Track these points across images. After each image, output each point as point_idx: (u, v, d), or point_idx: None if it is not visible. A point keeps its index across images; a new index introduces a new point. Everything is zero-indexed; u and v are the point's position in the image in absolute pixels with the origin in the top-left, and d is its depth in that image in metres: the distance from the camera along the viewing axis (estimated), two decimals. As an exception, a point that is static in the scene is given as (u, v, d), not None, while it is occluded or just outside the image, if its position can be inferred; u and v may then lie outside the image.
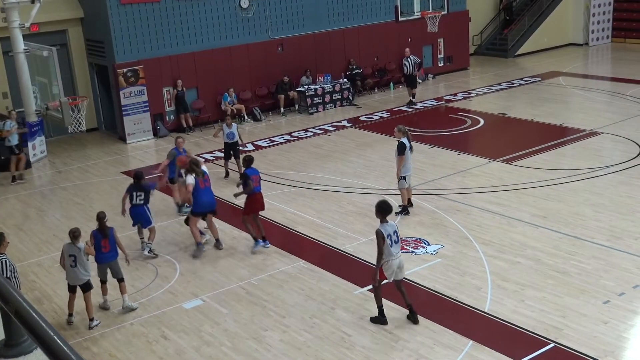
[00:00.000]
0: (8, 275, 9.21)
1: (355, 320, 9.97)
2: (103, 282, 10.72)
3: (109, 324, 10.37)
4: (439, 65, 27.20)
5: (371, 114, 21.90)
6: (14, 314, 3.19)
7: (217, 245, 12.76)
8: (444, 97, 23.69)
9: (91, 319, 10.27)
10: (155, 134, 20.80)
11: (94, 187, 16.91)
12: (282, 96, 22.45)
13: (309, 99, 22.51)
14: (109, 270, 10.65)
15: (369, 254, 11.99)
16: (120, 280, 10.67)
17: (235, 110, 21.70)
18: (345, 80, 23.53)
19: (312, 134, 20.21)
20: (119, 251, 10.71)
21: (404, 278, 10.01)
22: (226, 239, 13.14)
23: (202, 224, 12.96)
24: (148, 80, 20.49)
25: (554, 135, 18.55)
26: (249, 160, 12.58)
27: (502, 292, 10.46)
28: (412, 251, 12.06)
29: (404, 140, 13.30)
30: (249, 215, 12.55)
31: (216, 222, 13.47)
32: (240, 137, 16.38)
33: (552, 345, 9.06)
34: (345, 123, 21.12)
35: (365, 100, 23.83)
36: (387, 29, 24.90)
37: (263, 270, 11.77)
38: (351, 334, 9.61)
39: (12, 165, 17.42)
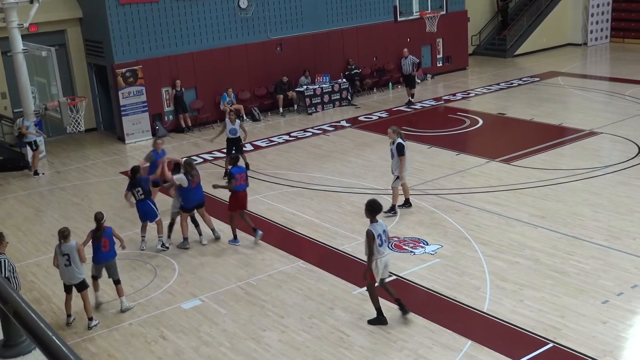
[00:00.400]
0: (7, 275, 9.21)
1: (354, 320, 9.97)
2: (95, 278, 10.65)
3: (107, 324, 10.36)
4: (438, 65, 27.21)
5: (370, 114, 21.90)
6: (12, 314, 3.19)
7: (214, 234, 13.10)
8: (443, 97, 23.70)
9: (90, 319, 10.26)
10: (154, 134, 20.78)
11: (93, 187, 16.91)
12: (281, 96, 22.45)
13: (307, 99, 22.51)
14: (104, 271, 10.62)
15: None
16: (117, 282, 10.67)
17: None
18: (344, 80, 23.53)
19: (310, 134, 20.21)
20: (116, 245, 10.72)
21: (390, 272, 10.01)
22: (225, 239, 13.14)
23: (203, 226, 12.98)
24: (147, 81, 20.49)
25: (553, 135, 18.56)
26: (234, 159, 13.02)
27: (500, 292, 10.47)
28: (411, 251, 12.07)
29: (400, 140, 13.29)
30: (234, 212, 12.84)
31: (215, 222, 13.48)
32: (244, 132, 16.66)
33: (550, 345, 9.07)
34: (344, 123, 21.13)
35: (364, 100, 23.83)
36: (386, 29, 24.90)
37: (262, 271, 11.77)
38: (350, 334, 9.61)
39: (35, 160, 17.94)
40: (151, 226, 12.99)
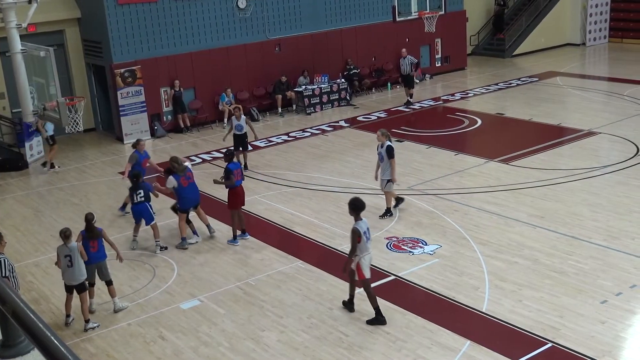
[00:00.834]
0: (6, 275, 9.21)
1: (353, 320, 9.96)
2: (91, 284, 10.61)
3: (106, 324, 10.36)
4: (437, 65, 27.22)
5: (369, 114, 21.90)
6: (11, 314, 3.19)
7: (209, 230, 13.21)
8: (442, 97, 23.70)
9: (87, 321, 10.24)
10: (153, 134, 20.79)
11: (92, 187, 16.90)
12: (280, 96, 22.44)
13: (306, 99, 22.51)
14: (97, 273, 10.59)
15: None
16: (109, 283, 10.64)
17: (232, 111, 21.67)
18: (343, 80, 23.53)
19: (309, 134, 20.21)
20: (111, 251, 10.69)
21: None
22: (224, 239, 13.14)
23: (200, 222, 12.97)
24: (145, 81, 20.48)
25: (552, 135, 18.57)
26: (229, 155, 12.99)
27: (499, 292, 10.47)
28: (410, 251, 12.07)
29: (390, 143, 13.29)
30: (236, 209, 12.84)
31: (216, 222, 13.49)
32: (253, 130, 16.82)
33: (549, 345, 9.07)
34: (342, 123, 21.12)
35: (363, 100, 23.83)
36: (385, 29, 24.90)
37: (260, 271, 11.76)
38: (349, 334, 9.61)
39: (52, 153, 18.26)
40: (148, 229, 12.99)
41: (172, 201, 13.49)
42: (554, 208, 13.56)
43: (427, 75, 26.61)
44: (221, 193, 15.52)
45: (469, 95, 23.86)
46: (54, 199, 16.33)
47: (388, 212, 13.53)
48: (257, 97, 22.73)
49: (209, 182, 16.33)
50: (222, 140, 17.97)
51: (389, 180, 13.35)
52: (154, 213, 12.91)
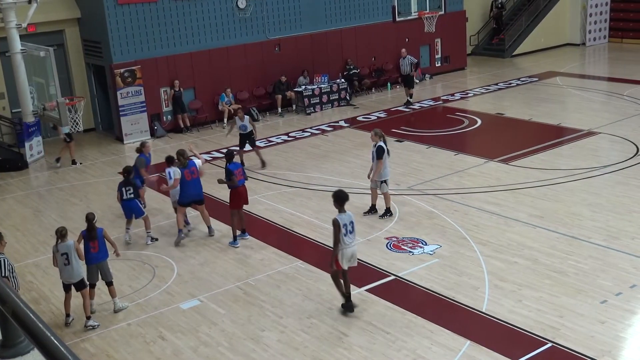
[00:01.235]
0: (6, 275, 9.21)
1: (352, 320, 9.97)
2: (92, 285, 10.61)
3: (106, 324, 10.35)
4: (436, 65, 27.23)
5: (368, 114, 21.91)
6: (11, 314, 3.19)
7: (209, 232, 13.25)
8: (442, 97, 23.71)
9: (87, 318, 10.24)
10: (153, 134, 20.79)
11: (91, 187, 16.89)
12: (280, 96, 22.45)
13: (306, 99, 22.51)
14: (99, 273, 10.60)
15: (367, 254, 12.01)
16: (109, 283, 10.63)
17: (232, 111, 21.70)
18: (343, 80, 23.53)
19: (309, 134, 20.21)
20: (109, 248, 10.69)
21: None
22: (224, 239, 13.14)
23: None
24: (145, 81, 20.48)
25: (551, 135, 18.57)
26: (229, 155, 12.99)
27: (499, 292, 10.47)
28: (410, 251, 12.07)
29: (382, 144, 13.22)
30: (236, 209, 12.84)
31: (216, 223, 13.49)
32: (254, 130, 16.90)
33: (549, 345, 9.07)
34: (342, 123, 21.13)
35: (363, 100, 23.84)
36: (385, 29, 24.91)
37: (260, 271, 11.76)
38: (349, 334, 9.61)
39: (63, 151, 18.52)
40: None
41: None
42: (554, 208, 13.56)
43: (426, 75, 26.61)
44: (221, 193, 15.52)
45: (469, 95, 23.86)
46: (53, 199, 16.33)
47: (387, 212, 13.52)
48: (257, 97, 22.73)
49: (208, 182, 16.35)
50: (225, 136, 18.26)
51: (382, 182, 13.31)
52: (144, 208, 13.14)
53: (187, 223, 13.52)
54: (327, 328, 9.81)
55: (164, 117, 21.24)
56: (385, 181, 13.33)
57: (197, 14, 21.30)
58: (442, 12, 24.16)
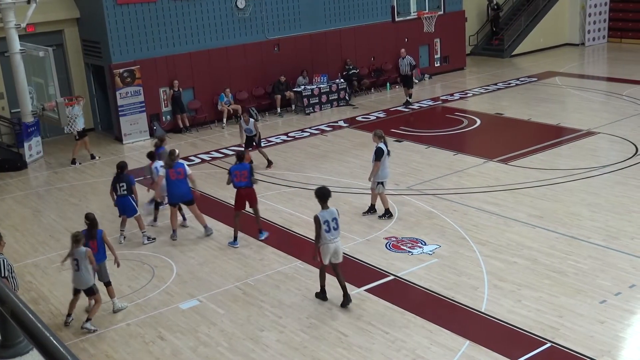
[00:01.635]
0: (5, 275, 9.20)
1: (352, 320, 9.97)
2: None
3: (105, 324, 10.35)
4: (436, 65, 27.23)
5: (368, 114, 21.91)
6: (10, 314, 3.19)
7: (205, 231, 13.24)
8: (441, 97, 23.71)
9: (87, 319, 10.20)
10: (152, 134, 20.78)
11: (91, 187, 16.89)
12: (279, 96, 22.45)
13: (305, 99, 22.51)
14: (96, 274, 10.58)
15: (366, 254, 12.02)
16: (107, 284, 10.63)
17: (231, 111, 21.71)
18: (342, 80, 23.53)
19: (308, 134, 20.21)
20: (108, 253, 10.66)
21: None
22: (223, 239, 13.14)
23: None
24: (144, 81, 20.47)
25: (550, 135, 18.58)
26: (237, 156, 13.13)
27: (498, 292, 10.47)
28: (409, 251, 12.07)
29: (381, 145, 13.21)
30: (237, 210, 12.88)
31: (215, 223, 13.48)
32: (258, 132, 16.83)
33: (548, 345, 9.07)
34: (341, 123, 21.13)
35: (362, 100, 23.84)
36: (384, 29, 24.91)
37: (260, 271, 11.76)
38: (348, 334, 9.61)
39: (77, 148, 18.61)
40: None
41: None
42: (553, 208, 13.56)
43: (426, 75, 26.61)
44: (219, 194, 15.54)
45: (468, 95, 23.87)
46: (53, 199, 16.32)
47: (387, 213, 13.52)
48: (256, 97, 22.73)
49: (206, 181, 16.36)
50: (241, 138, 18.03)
51: (379, 183, 13.30)
52: (137, 206, 13.14)
53: (184, 219, 13.74)
54: (327, 328, 9.82)
55: (163, 117, 21.23)
56: (382, 183, 13.29)
57: (197, 14, 21.30)
58: (441, 12, 24.17)
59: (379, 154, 13.13)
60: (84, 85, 21.58)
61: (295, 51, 23.23)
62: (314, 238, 10.28)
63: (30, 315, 3.04)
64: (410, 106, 22.59)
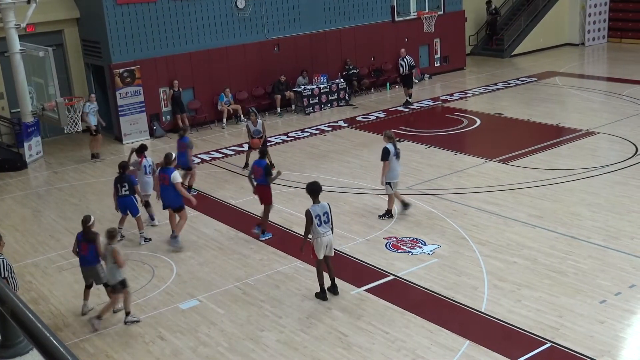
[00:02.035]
0: (5, 276, 9.20)
1: (352, 320, 9.97)
2: (87, 286, 10.64)
3: (105, 324, 10.34)
4: (436, 65, 27.23)
5: (368, 114, 21.91)
6: (10, 314, 3.19)
7: (172, 241, 12.87)
8: (441, 97, 23.71)
9: (127, 313, 10.28)
10: (152, 134, 20.78)
11: (90, 187, 16.89)
12: (279, 96, 22.45)
13: (305, 99, 22.51)
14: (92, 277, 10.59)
15: (366, 254, 12.02)
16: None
17: (231, 111, 21.71)
18: (342, 80, 23.53)
19: (308, 134, 20.21)
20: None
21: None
22: (223, 239, 13.15)
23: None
24: (144, 81, 20.47)
25: (550, 135, 18.58)
26: (260, 152, 13.27)
27: (498, 292, 10.47)
28: (409, 251, 12.07)
29: (389, 145, 13.22)
30: (262, 205, 13.06)
31: (215, 223, 13.48)
32: (264, 132, 16.83)
33: (548, 345, 9.07)
34: (341, 123, 21.13)
35: (362, 100, 23.84)
36: (384, 29, 24.92)
37: (259, 271, 11.76)
38: (348, 334, 9.61)
39: (97, 143, 18.93)
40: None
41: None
42: (553, 208, 13.57)
43: (426, 75, 26.61)
44: (219, 194, 15.55)
45: (468, 95, 23.87)
46: (52, 199, 16.32)
47: (387, 214, 13.51)
48: (256, 97, 22.73)
49: (208, 181, 16.36)
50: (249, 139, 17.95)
51: (387, 183, 13.30)
52: (139, 206, 13.19)
53: (152, 219, 13.80)
54: (327, 328, 9.82)
55: (163, 117, 21.23)
56: (389, 183, 13.27)
57: (197, 14, 21.30)
58: (441, 12, 24.19)
59: (384, 154, 13.12)
60: (84, 85, 21.57)
61: (295, 51, 23.24)
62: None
63: (30, 315, 3.04)
64: (410, 106, 22.59)
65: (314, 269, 11.61)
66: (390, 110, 22.30)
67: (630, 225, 12.58)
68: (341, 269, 11.55)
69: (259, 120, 16.69)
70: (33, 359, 3.71)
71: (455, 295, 10.49)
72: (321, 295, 10.62)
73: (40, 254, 13.05)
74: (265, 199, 12.97)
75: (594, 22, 31.40)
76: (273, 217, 14.01)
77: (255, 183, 12.98)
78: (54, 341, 2.80)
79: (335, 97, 23.14)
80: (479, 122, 20.36)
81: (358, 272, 11.45)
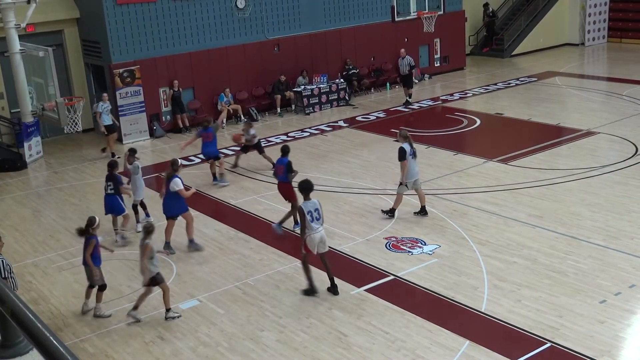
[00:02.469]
0: (5, 276, 9.20)
1: (352, 320, 9.97)
2: (89, 286, 10.67)
3: (105, 324, 10.35)
4: (435, 65, 27.23)
5: (367, 114, 21.91)
6: (10, 314, 3.19)
7: (189, 243, 12.78)
8: (441, 97, 23.71)
9: (167, 310, 10.32)
10: (152, 134, 20.78)
11: (90, 187, 16.88)
12: (279, 96, 22.44)
13: (305, 99, 22.51)
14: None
15: (366, 254, 12.02)
16: (99, 287, 10.62)
17: (231, 111, 21.70)
18: (342, 80, 23.53)
19: (308, 134, 20.21)
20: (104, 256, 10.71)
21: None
22: (223, 239, 13.15)
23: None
24: (144, 81, 20.47)
25: (550, 135, 18.58)
26: (282, 150, 13.42)
27: (498, 292, 10.47)
28: (409, 251, 12.07)
29: (405, 145, 13.17)
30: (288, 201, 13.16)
31: (215, 223, 13.46)
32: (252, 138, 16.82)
33: (548, 345, 9.07)
34: (341, 123, 21.13)
35: (362, 100, 23.84)
36: (384, 29, 24.92)
37: (259, 271, 11.76)
38: (348, 334, 9.61)
39: (111, 142, 19.11)
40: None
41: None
42: (553, 208, 13.57)
43: (426, 75, 26.61)
44: (220, 193, 15.55)
45: (468, 95, 23.87)
46: (52, 199, 16.32)
47: (391, 212, 13.48)
48: (256, 97, 22.73)
49: (208, 181, 16.36)
50: (241, 144, 17.86)
51: (400, 182, 13.28)
52: (124, 205, 13.10)
53: (137, 222, 13.64)
54: (327, 328, 9.82)
55: (163, 117, 21.23)
56: (406, 183, 13.17)
57: (196, 14, 21.30)
58: (441, 12, 24.21)
59: (401, 154, 13.08)
60: (84, 85, 21.57)
61: (295, 51, 23.24)
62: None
63: (30, 315, 3.04)
64: (410, 106, 22.59)
65: (314, 269, 11.61)
66: (390, 110, 22.30)
67: (630, 225, 12.58)
68: (341, 269, 11.56)
69: (251, 130, 16.62)
70: (33, 359, 3.70)
71: (455, 295, 10.49)
72: (310, 291, 10.68)
73: (40, 254, 13.05)
74: (290, 196, 13.04)
75: (594, 22, 31.40)
76: (273, 217, 14.02)
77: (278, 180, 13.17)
78: (54, 341, 2.80)
79: (335, 97, 23.14)
80: (478, 122, 20.37)
81: (358, 272, 11.45)
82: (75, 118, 18.04)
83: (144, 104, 20.57)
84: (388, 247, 12.30)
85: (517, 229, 12.69)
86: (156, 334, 10.00)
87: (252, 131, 16.70)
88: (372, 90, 24.92)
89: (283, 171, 13.03)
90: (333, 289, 10.71)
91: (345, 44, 24.37)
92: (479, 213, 13.56)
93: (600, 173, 15.37)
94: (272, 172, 13.37)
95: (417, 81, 25.00)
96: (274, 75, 22.59)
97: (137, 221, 13.65)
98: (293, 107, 22.89)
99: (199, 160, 18.16)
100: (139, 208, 13.78)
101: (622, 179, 14.89)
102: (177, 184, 12.28)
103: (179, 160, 13.20)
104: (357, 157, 17.68)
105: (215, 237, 13.25)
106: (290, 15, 23.20)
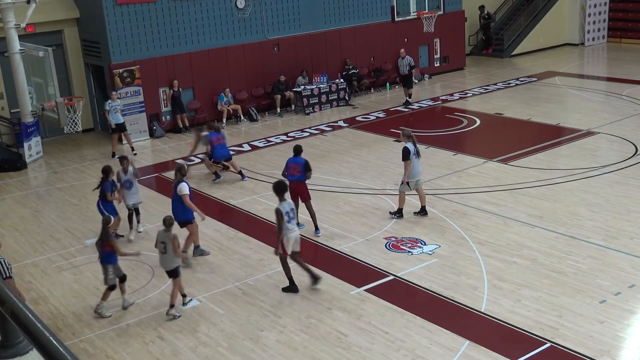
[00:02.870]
0: (10, 275, 9.22)
1: (351, 320, 9.97)
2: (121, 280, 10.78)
3: (105, 324, 10.35)
4: (435, 65, 27.23)
5: (367, 114, 21.91)
6: (9, 314, 3.19)
7: (194, 250, 12.57)
8: (440, 97, 23.71)
9: (183, 296, 10.63)
10: (152, 134, 20.78)
11: (90, 187, 16.81)
12: (279, 96, 22.44)
13: (305, 99, 22.51)
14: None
15: (366, 254, 12.02)
16: (122, 279, 10.73)
17: (231, 111, 21.71)
18: (342, 80, 23.53)
19: (308, 134, 20.20)
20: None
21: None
22: (223, 239, 13.14)
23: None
24: (144, 81, 20.46)
25: (550, 135, 18.58)
26: (294, 149, 13.18)
27: (498, 292, 10.47)
28: (409, 251, 12.07)
29: (409, 145, 13.16)
30: (296, 202, 12.75)
31: (214, 222, 13.46)
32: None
33: (548, 345, 9.08)
34: (341, 123, 21.12)
35: (362, 100, 23.84)
36: (384, 29, 24.92)
37: (259, 271, 11.76)
38: (348, 334, 9.61)
39: (127, 140, 19.26)
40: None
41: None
42: (553, 208, 13.57)
43: (425, 75, 26.61)
44: (219, 194, 15.54)
45: (468, 95, 23.87)
46: (52, 199, 16.32)
47: (399, 212, 13.45)
48: (256, 97, 22.73)
49: (208, 181, 16.36)
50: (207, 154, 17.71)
51: (403, 181, 13.27)
52: (105, 211, 12.42)
53: (137, 222, 13.62)
54: (326, 328, 9.82)
55: (163, 117, 21.23)
56: (408, 182, 13.19)
57: (196, 14, 21.30)
58: (441, 12, 24.20)
59: (405, 154, 13.06)
60: (84, 85, 21.58)
61: (295, 51, 23.23)
62: (280, 230, 10.69)
63: (30, 315, 3.04)
64: (410, 106, 22.59)
65: (314, 269, 11.62)
66: (390, 110, 22.30)
67: (630, 225, 12.58)
68: (341, 269, 11.57)
69: (203, 132, 16.43)
70: (33, 359, 3.71)
71: (455, 295, 10.49)
72: (291, 288, 10.85)
73: (40, 254, 13.05)
74: (305, 196, 12.90)
75: (594, 22, 31.41)
76: (273, 216, 13.97)
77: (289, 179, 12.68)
78: (54, 341, 2.80)
79: (335, 97, 23.14)
80: (478, 122, 20.37)
81: (358, 272, 11.45)
82: (75, 118, 18.05)
83: (143, 104, 20.57)
84: (388, 247, 12.31)
85: (517, 229, 12.70)
86: (156, 334, 10.01)
87: (203, 133, 16.49)
88: (372, 90, 24.92)
89: (300, 170, 12.75)
90: (315, 280, 10.88)
91: (345, 44, 24.38)
92: (479, 213, 13.56)
93: (600, 173, 15.37)
94: (285, 171, 12.89)
95: (417, 81, 25.01)
96: (273, 75, 22.59)
97: (138, 221, 13.63)
98: (293, 107, 22.88)
99: (199, 160, 18.16)
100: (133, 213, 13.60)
101: (622, 179, 14.90)
102: (183, 189, 11.92)
103: (186, 165, 13.12)
104: (357, 157, 17.68)
105: (215, 237, 13.25)
106: (290, 15, 23.21)
